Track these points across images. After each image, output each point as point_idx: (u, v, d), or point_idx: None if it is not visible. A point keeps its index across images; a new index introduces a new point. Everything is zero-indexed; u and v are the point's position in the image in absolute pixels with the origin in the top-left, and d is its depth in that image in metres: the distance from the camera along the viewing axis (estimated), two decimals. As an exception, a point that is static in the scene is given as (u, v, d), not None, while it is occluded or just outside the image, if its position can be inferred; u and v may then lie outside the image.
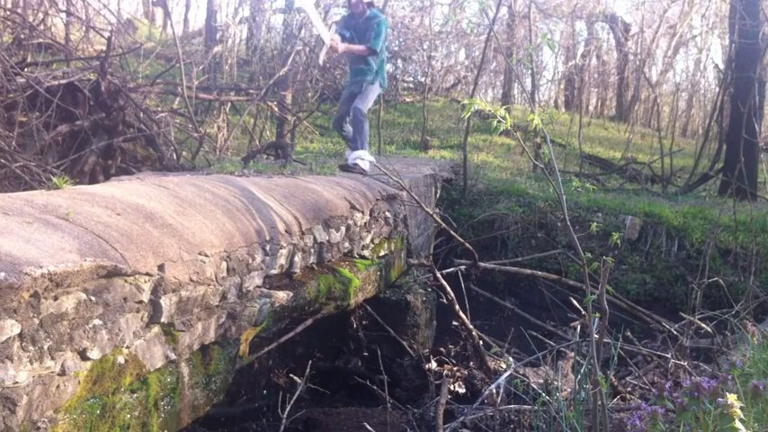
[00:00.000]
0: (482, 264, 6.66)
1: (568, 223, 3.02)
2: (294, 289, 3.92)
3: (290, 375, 5.77)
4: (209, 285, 3.03)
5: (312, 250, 4.31)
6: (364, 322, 6.25)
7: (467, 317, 5.93)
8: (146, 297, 2.60)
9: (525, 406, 4.47)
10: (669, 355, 5.31)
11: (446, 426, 4.39)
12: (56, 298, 2.15)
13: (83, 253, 2.32)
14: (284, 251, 3.87)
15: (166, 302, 2.72)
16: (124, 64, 8.89)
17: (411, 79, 19.47)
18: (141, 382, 2.64)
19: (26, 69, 6.95)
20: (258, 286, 3.57)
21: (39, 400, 2.11)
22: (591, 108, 23.45)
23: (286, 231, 3.89)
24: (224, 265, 3.19)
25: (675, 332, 6.26)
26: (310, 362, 5.01)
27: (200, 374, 3.06)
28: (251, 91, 10.43)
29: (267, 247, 3.64)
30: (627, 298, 7.40)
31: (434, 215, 6.59)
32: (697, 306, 5.96)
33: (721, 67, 16.33)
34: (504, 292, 8.20)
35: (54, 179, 3.22)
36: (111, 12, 9.95)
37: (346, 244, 4.89)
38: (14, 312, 1.98)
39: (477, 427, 4.44)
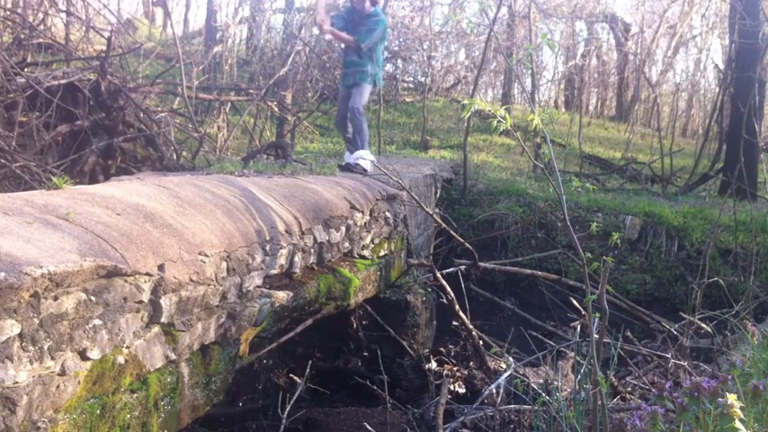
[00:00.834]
0: (482, 264, 6.66)
1: (568, 223, 3.02)
2: (294, 289, 3.92)
3: (290, 375, 5.77)
4: (209, 285, 3.03)
5: (312, 250, 4.31)
6: (364, 322, 6.25)
7: (467, 317, 5.92)
8: (146, 297, 2.60)
9: (525, 406, 4.47)
10: (669, 355, 5.31)
11: (446, 426, 4.39)
12: (56, 298, 2.15)
13: (83, 253, 2.32)
14: (284, 251, 3.87)
15: (166, 302, 2.72)
16: (124, 64, 8.89)
17: (411, 79, 19.47)
18: (141, 382, 2.64)
19: (26, 69, 6.95)
20: (258, 286, 3.57)
21: (39, 400, 2.11)
22: (591, 108, 23.45)
23: (286, 231, 3.89)
24: (224, 265, 3.19)
25: (675, 332, 6.26)
26: (310, 362, 5.01)
27: (200, 374, 3.06)
28: (251, 91, 10.43)
29: (267, 247, 3.64)
30: (627, 298, 7.40)
31: (434, 215, 6.59)
32: (697, 306, 5.96)
33: (721, 67, 16.33)
34: (504, 292, 8.20)
35: (54, 179, 3.22)
36: (111, 12, 9.95)
37: (346, 244, 4.89)
38: (14, 312, 1.98)
39: (477, 427, 4.44)
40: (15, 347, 1.99)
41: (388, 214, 5.82)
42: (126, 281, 2.50)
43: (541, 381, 4.91)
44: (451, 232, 6.51)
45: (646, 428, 2.27)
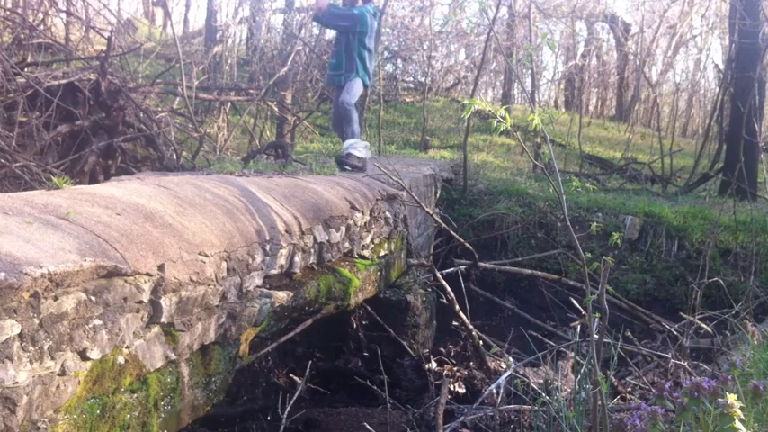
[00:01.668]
0: (482, 264, 6.66)
1: (568, 223, 3.02)
2: (294, 289, 3.92)
3: (290, 375, 5.77)
4: (209, 285, 3.03)
5: (312, 250, 4.31)
6: (364, 322, 6.25)
7: (467, 317, 5.92)
8: (146, 297, 2.60)
9: (525, 406, 4.46)
10: (669, 355, 5.31)
11: (446, 426, 4.39)
12: (56, 298, 2.15)
13: (83, 253, 2.32)
14: (284, 251, 3.87)
15: (166, 302, 2.72)
16: (124, 64, 8.89)
17: (411, 79, 19.48)
18: (141, 382, 2.64)
19: (26, 69, 6.95)
20: (258, 286, 3.57)
21: (39, 400, 2.11)
22: (591, 108, 23.44)
23: (286, 231, 3.89)
24: (224, 265, 3.19)
25: (675, 332, 6.26)
26: (310, 362, 5.01)
27: (200, 374, 3.06)
28: (251, 91, 10.43)
29: (267, 247, 3.64)
30: (627, 298, 7.39)
31: (434, 215, 6.59)
32: (697, 306, 5.96)
33: (721, 67, 16.33)
34: (504, 292, 8.19)
35: (54, 179, 3.22)
36: (111, 12, 9.96)
37: (346, 244, 4.89)
38: (14, 312, 1.98)
39: (477, 427, 4.43)
40: (15, 347, 1.99)
41: (388, 214, 5.82)
42: (126, 281, 2.50)
43: (541, 381, 4.91)
44: (451, 232, 6.50)
45: (646, 428, 2.27)
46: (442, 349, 6.37)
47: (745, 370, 3.08)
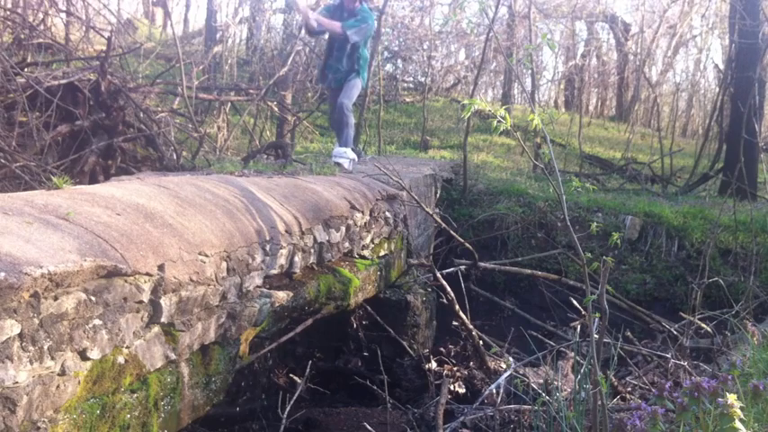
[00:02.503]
0: (482, 264, 6.65)
1: (568, 223, 3.02)
2: (294, 289, 3.92)
3: (290, 375, 5.77)
4: (209, 285, 3.03)
5: (312, 250, 4.31)
6: (364, 322, 6.25)
7: (467, 317, 5.92)
8: (146, 297, 2.60)
9: (525, 406, 4.46)
10: (669, 355, 5.31)
11: (446, 426, 4.39)
12: (56, 298, 2.15)
13: (83, 253, 2.32)
14: (284, 251, 3.87)
15: (166, 302, 2.72)
16: (124, 64, 8.90)
17: (411, 79, 19.48)
18: (141, 382, 2.64)
19: (26, 69, 6.95)
20: (258, 286, 3.57)
21: (39, 400, 2.10)
22: (591, 108, 23.45)
23: (286, 231, 3.89)
24: (224, 265, 3.19)
25: (675, 332, 6.26)
26: (310, 362, 5.01)
27: (200, 374, 3.06)
28: (251, 91, 10.43)
29: (267, 247, 3.64)
30: (627, 298, 7.39)
31: (434, 215, 6.58)
32: (697, 306, 5.96)
33: (721, 67, 16.33)
34: (504, 292, 8.19)
35: (54, 179, 3.22)
36: (111, 12, 9.96)
37: (346, 244, 4.89)
38: (14, 312, 1.98)
39: (477, 427, 4.43)
40: (15, 347, 1.99)
41: (388, 214, 5.82)
42: (126, 281, 2.50)
43: (541, 381, 4.91)
44: (451, 232, 6.50)
45: (646, 428, 2.27)
46: (442, 349, 6.37)
47: (745, 370, 3.08)
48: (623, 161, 13.56)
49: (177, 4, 22.00)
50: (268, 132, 11.38)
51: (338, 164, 6.55)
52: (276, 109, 10.62)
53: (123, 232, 2.65)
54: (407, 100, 18.25)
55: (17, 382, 2.00)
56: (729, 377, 2.46)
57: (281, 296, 3.69)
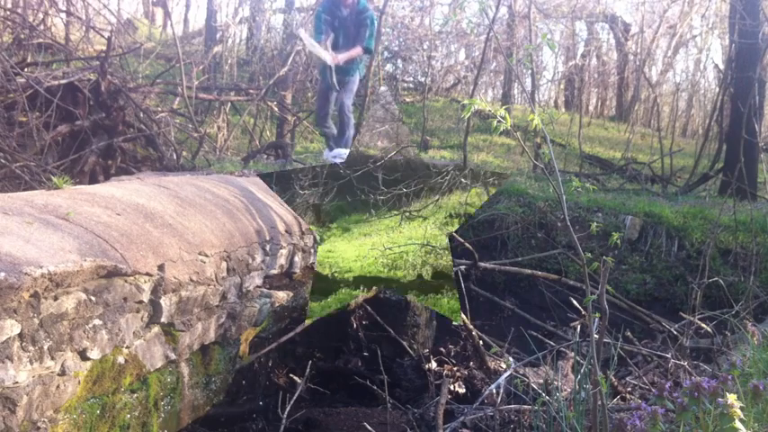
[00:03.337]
0: (482, 264, 6.65)
1: (568, 223, 3.02)
2: (294, 289, 3.92)
3: (290, 375, 5.76)
4: (209, 285, 3.03)
5: (312, 250, 4.31)
6: (364, 322, 6.25)
7: (467, 317, 5.92)
8: (146, 297, 2.60)
9: (525, 406, 4.46)
10: (669, 355, 5.31)
11: (446, 426, 4.39)
12: (56, 298, 2.15)
13: (83, 253, 2.32)
14: (284, 251, 3.87)
15: (166, 302, 2.72)
16: (124, 64, 8.89)
17: (411, 79, 19.47)
18: (141, 382, 2.64)
19: (26, 69, 6.95)
20: (258, 286, 3.57)
21: (39, 400, 2.10)
22: (591, 108, 23.43)
23: (286, 231, 3.89)
24: (224, 265, 3.19)
25: (675, 332, 6.25)
26: (310, 362, 5.00)
27: (200, 374, 3.06)
28: (251, 91, 10.43)
29: (267, 247, 3.64)
30: (627, 298, 7.39)
31: (434, 215, 6.58)
32: (697, 306, 5.96)
33: (721, 67, 16.32)
34: (504, 292, 8.18)
35: (54, 179, 3.22)
36: (111, 12, 9.95)
37: (346, 244, 4.89)
38: (14, 312, 1.98)
39: (477, 427, 4.43)
40: (15, 347, 1.99)
41: (388, 214, 5.81)
42: (126, 281, 2.50)
43: (541, 381, 4.91)
44: (452, 232, 6.50)
45: (646, 428, 2.27)
46: (442, 349, 6.37)
47: (745, 370, 3.08)
48: (623, 161, 13.56)
49: (177, 4, 22.00)
50: (268, 132, 11.37)
51: (338, 164, 6.55)
52: (276, 109, 10.62)
53: (123, 232, 2.65)
54: (407, 100, 18.24)
55: (17, 382, 2.00)
56: (729, 377, 2.45)
57: (281, 296, 3.69)
